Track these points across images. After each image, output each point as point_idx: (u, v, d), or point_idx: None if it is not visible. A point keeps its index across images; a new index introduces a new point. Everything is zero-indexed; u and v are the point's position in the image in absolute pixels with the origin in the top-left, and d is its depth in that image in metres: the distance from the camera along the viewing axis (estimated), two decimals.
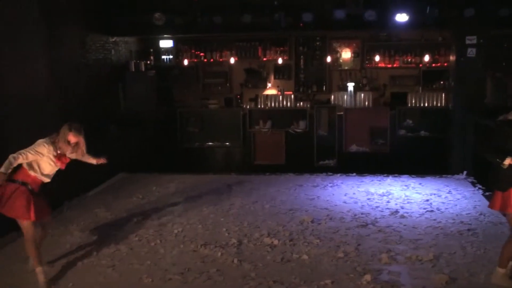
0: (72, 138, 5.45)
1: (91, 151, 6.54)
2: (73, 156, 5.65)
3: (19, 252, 6.11)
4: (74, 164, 5.73)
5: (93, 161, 6.07)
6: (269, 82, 13.72)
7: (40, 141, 5.41)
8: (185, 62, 13.39)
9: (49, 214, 5.78)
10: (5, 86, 7.26)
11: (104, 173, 9.88)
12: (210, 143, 12.75)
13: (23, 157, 5.27)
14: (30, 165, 5.39)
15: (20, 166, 5.38)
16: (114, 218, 7.71)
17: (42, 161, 5.40)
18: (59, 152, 5.46)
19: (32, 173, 5.41)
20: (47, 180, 5.57)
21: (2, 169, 5.14)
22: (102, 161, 6.17)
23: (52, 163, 5.47)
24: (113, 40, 11.35)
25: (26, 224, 5.35)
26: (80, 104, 9.68)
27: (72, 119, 5.60)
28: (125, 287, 5.40)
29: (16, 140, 5.83)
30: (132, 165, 10.91)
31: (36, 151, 5.34)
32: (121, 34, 11.56)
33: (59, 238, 6.80)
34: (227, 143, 12.68)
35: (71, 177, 8.41)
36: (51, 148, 5.41)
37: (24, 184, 5.36)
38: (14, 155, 5.23)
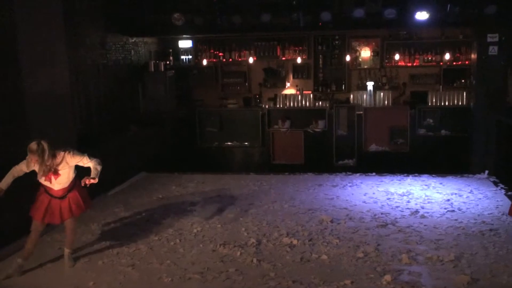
0: (33, 156, 5.45)
1: (112, 151, 6.58)
2: (58, 162, 5.60)
3: (41, 250, 6.21)
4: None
5: (95, 172, 5.82)
6: (288, 82, 13.68)
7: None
8: (204, 62, 13.42)
9: (63, 219, 5.83)
10: (27, 86, 7.36)
11: (124, 173, 9.98)
12: (229, 143, 12.78)
13: (17, 169, 5.68)
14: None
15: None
16: (134, 217, 7.77)
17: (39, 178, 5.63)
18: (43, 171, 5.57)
19: (43, 183, 5.73)
20: (54, 188, 5.72)
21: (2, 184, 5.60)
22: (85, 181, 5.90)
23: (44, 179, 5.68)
24: (133, 40, 11.44)
25: (33, 222, 5.73)
26: (101, 104, 9.80)
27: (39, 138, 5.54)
28: (145, 286, 5.43)
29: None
30: (152, 165, 10.98)
31: (25, 163, 5.61)
32: (141, 35, 11.65)
33: (79, 236, 6.86)
34: (246, 143, 12.69)
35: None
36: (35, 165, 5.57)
37: (44, 188, 5.74)
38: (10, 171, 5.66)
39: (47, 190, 5.72)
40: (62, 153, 5.60)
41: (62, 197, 5.75)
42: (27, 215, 5.78)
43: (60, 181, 5.69)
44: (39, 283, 5.59)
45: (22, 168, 5.60)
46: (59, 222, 5.90)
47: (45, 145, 5.40)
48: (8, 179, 5.57)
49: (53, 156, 5.51)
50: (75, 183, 5.84)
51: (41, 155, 5.39)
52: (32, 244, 5.80)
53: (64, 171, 5.65)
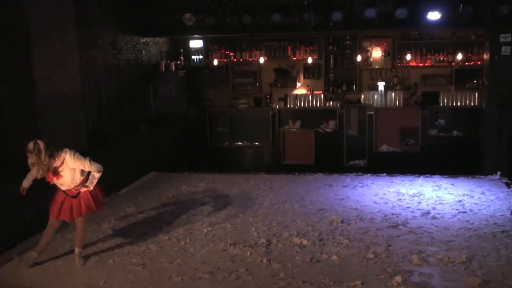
0: (29, 157, 5.46)
1: (123, 150, 6.58)
2: (58, 164, 5.60)
3: (52, 249, 6.25)
4: (105, 163, 5.84)
5: (95, 177, 5.79)
6: (299, 82, 13.66)
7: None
8: (215, 62, 13.44)
9: (73, 217, 5.91)
10: (39, 86, 7.42)
11: (135, 172, 10.02)
12: (240, 143, 12.80)
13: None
14: None
15: None
16: (145, 216, 7.79)
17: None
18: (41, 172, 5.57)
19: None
20: (63, 188, 5.80)
21: (24, 183, 5.80)
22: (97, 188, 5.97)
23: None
24: (144, 40, 11.48)
25: (49, 218, 5.88)
26: (111, 104, 9.84)
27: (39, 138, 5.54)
28: (155, 285, 5.45)
29: (51, 139, 5.94)
30: (162, 164, 11.02)
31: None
32: (152, 35, 11.68)
33: (90, 235, 6.90)
34: (257, 143, 12.70)
35: (102, 176, 8.59)
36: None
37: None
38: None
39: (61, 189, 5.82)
40: (62, 155, 5.56)
41: (74, 196, 5.81)
42: (44, 212, 5.94)
43: (63, 182, 5.69)
44: (50, 281, 5.63)
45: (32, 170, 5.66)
46: (70, 220, 5.99)
47: (41, 145, 5.37)
48: (30, 177, 5.72)
49: (51, 156, 5.46)
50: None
51: (37, 155, 5.37)
52: (46, 240, 5.93)
53: (66, 172, 5.62)
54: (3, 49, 6.93)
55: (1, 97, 6.93)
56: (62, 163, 5.58)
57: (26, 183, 5.75)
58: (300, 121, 12.32)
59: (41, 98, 7.47)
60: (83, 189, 5.76)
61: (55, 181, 5.67)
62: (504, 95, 10.27)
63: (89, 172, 5.77)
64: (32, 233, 6.63)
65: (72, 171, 5.66)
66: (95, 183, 5.78)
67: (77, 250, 6.06)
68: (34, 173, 5.58)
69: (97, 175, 5.75)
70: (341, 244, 6.38)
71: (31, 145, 5.38)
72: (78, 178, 5.75)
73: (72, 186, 5.74)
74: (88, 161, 5.67)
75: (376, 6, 10.17)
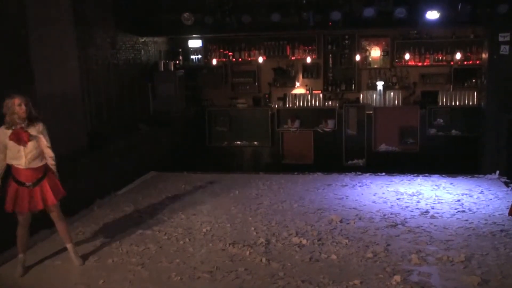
0: (17, 100, 5.42)
1: (122, 150, 6.56)
2: (33, 132, 5.54)
3: (51, 249, 6.26)
4: (105, 163, 5.86)
5: (51, 162, 5.74)
6: (298, 81, 13.68)
7: None
8: (214, 61, 13.45)
9: (42, 205, 5.67)
10: (38, 86, 7.41)
11: (134, 172, 10.02)
12: (239, 143, 12.81)
13: None
14: (7, 157, 5.56)
15: None
16: (144, 216, 7.79)
17: (7, 149, 5.50)
18: (13, 128, 5.46)
19: (10, 162, 5.56)
20: (22, 164, 5.54)
21: None
22: (54, 176, 5.81)
23: (12, 144, 5.48)
24: (143, 40, 11.48)
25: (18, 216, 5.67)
26: (111, 104, 9.84)
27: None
28: (155, 285, 5.45)
29: (49, 138, 5.94)
30: (161, 164, 11.02)
31: None
32: (151, 34, 11.68)
33: (89, 235, 6.91)
34: (255, 143, 12.71)
35: (101, 176, 8.61)
36: (3, 131, 5.47)
37: (12, 176, 5.60)
38: None
39: (15, 177, 5.58)
40: (39, 123, 5.61)
41: (34, 184, 5.60)
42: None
43: (28, 151, 5.51)
44: (49, 281, 5.63)
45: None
46: (41, 208, 5.70)
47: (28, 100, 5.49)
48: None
49: (30, 113, 5.48)
50: (46, 172, 5.72)
51: (26, 104, 5.43)
52: (22, 237, 5.77)
53: (32, 143, 5.52)
54: (3, 49, 6.92)
55: (0, 97, 6.92)
56: (35, 130, 5.54)
57: None
58: (299, 120, 12.33)
59: (41, 98, 7.45)
60: (52, 169, 5.72)
61: (21, 150, 5.48)
62: (503, 94, 10.28)
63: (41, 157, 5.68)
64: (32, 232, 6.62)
65: (37, 144, 5.58)
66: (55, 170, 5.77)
67: (69, 245, 5.98)
68: (16, 117, 5.41)
69: (54, 163, 5.74)
70: (340, 243, 6.38)
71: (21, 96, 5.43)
72: (37, 153, 5.61)
73: (30, 158, 5.54)
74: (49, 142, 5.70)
75: (375, 5, 10.16)
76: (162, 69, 11.95)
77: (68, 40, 8.28)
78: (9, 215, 6.08)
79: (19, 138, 5.46)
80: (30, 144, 5.53)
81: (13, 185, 5.59)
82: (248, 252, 6.14)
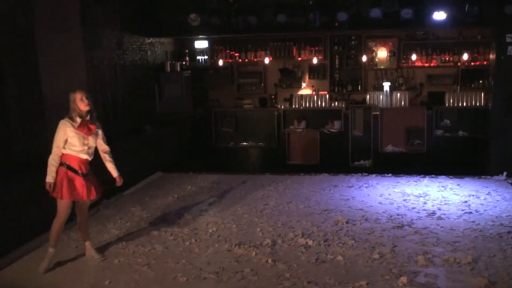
0: (79, 94, 5.72)
1: (128, 150, 6.54)
2: (93, 128, 5.82)
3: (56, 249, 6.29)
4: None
5: (112, 168, 6.11)
6: (304, 82, 13.66)
7: (60, 123, 5.75)
8: (220, 62, 13.45)
9: (87, 197, 5.87)
10: (45, 86, 7.44)
11: (140, 172, 10.04)
12: (245, 143, 12.80)
13: (56, 148, 5.69)
14: (64, 147, 5.74)
15: None
16: (150, 216, 7.81)
17: (70, 138, 5.70)
18: (78, 119, 5.72)
19: (67, 151, 5.73)
20: (84, 156, 5.81)
21: (49, 177, 5.65)
22: (119, 180, 6.16)
23: (77, 135, 5.71)
24: (149, 41, 11.50)
25: (59, 203, 5.75)
26: (117, 104, 9.86)
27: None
28: (161, 285, 5.45)
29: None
30: (168, 165, 11.04)
31: (58, 132, 5.71)
32: (157, 35, 11.70)
33: (96, 235, 6.93)
34: (262, 143, 12.70)
35: (107, 176, 8.61)
36: (69, 123, 5.72)
37: (62, 164, 5.73)
38: (51, 156, 5.70)
39: (70, 165, 5.74)
40: (99, 122, 5.98)
41: (85, 174, 5.82)
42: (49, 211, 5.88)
43: (89, 143, 5.82)
44: (56, 281, 5.64)
45: (61, 143, 5.68)
46: (86, 199, 5.90)
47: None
48: (54, 170, 5.68)
49: (91, 110, 5.79)
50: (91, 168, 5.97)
51: (88, 98, 5.75)
52: (58, 228, 5.87)
53: (93, 139, 5.86)
54: (10, 50, 6.95)
55: (7, 98, 6.96)
56: (96, 127, 5.86)
57: (52, 178, 5.66)
58: (305, 121, 12.31)
59: (47, 98, 7.49)
60: (111, 166, 6.04)
61: (85, 139, 5.75)
62: (509, 95, 10.22)
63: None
64: (37, 234, 6.66)
65: (95, 139, 5.90)
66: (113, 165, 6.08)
67: (88, 243, 6.20)
68: (80, 110, 5.70)
69: (111, 159, 6.09)
70: (346, 244, 6.37)
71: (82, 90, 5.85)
72: (94, 148, 5.94)
73: (90, 150, 5.86)
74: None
75: (381, 6, 10.14)
76: (169, 70, 11.96)
77: (75, 41, 8.31)
78: (9, 216, 6.15)
79: (89, 129, 5.76)
80: (93, 137, 5.86)
81: (69, 173, 5.72)
82: (254, 253, 6.14)
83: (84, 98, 5.72)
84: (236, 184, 9.66)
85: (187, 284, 5.46)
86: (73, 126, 5.70)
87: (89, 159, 5.89)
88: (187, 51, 13.46)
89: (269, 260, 5.90)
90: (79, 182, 5.76)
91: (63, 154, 5.71)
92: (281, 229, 7.01)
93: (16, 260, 6.15)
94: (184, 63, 13.01)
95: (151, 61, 11.62)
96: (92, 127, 5.78)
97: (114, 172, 6.08)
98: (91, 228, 7.16)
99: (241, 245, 6.39)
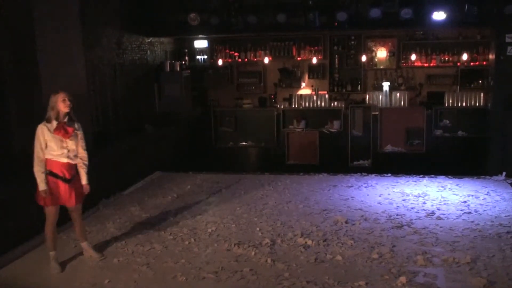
0: (62, 94, 5.65)
1: (128, 150, 6.50)
2: (75, 127, 5.78)
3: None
4: (111, 163, 5.91)
5: (82, 175, 5.96)
6: (303, 82, 13.67)
7: (37, 128, 5.66)
8: (220, 62, 13.45)
9: (69, 204, 5.84)
10: (45, 86, 7.43)
11: (140, 172, 10.04)
12: (244, 143, 12.80)
13: (37, 156, 5.62)
14: (46, 152, 5.67)
15: None
16: (149, 216, 7.81)
17: (48, 142, 5.62)
18: (56, 122, 5.63)
19: (47, 156, 5.67)
20: (64, 159, 5.72)
21: (41, 185, 5.60)
22: (85, 188, 6.01)
23: (54, 139, 5.63)
24: (149, 40, 11.50)
25: (45, 209, 5.76)
26: (117, 104, 9.86)
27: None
28: (160, 285, 5.46)
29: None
30: (167, 164, 11.04)
31: (36, 138, 5.62)
32: (157, 35, 11.70)
33: (95, 235, 6.93)
34: (261, 143, 12.70)
35: (107, 176, 8.62)
36: (45, 127, 5.62)
37: (49, 172, 5.69)
38: (34, 164, 5.63)
39: (52, 171, 5.68)
40: (77, 123, 5.85)
41: (69, 180, 5.75)
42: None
43: (69, 146, 5.71)
44: (55, 281, 5.65)
45: (40, 150, 5.61)
46: (70, 205, 5.87)
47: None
48: (42, 176, 5.62)
49: (72, 115, 5.72)
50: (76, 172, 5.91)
51: (71, 101, 5.66)
52: (51, 233, 5.87)
53: (72, 139, 5.73)
54: (9, 50, 6.95)
55: (7, 97, 6.96)
56: (76, 127, 5.78)
57: (43, 185, 5.61)
58: (305, 121, 12.31)
59: (46, 98, 7.46)
60: (82, 173, 5.88)
61: (63, 142, 5.66)
62: (509, 95, 10.22)
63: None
64: (37, 232, 6.66)
65: (76, 140, 5.79)
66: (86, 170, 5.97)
67: (85, 243, 6.15)
68: (59, 111, 5.61)
69: (86, 163, 5.94)
70: (345, 244, 6.38)
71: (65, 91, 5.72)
72: (76, 150, 5.82)
73: (71, 153, 5.74)
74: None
75: (381, 6, 10.14)
76: (168, 70, 11.96)
77: (74, 41, 8.30)
78: (8, 216, 6.15)
79: (66, 131, 5.66)
80: (72, 139, 5.74)
81: (50, 179, 5.68)
82: (253, 253, 6.15)
83: (66, 99, 5.62)
84: (235, 184, 9.67)
85: (186, 283, 5.46)
86: (49, 130, 5.61)
87: (72, 162, 5.78)
88: (186, 50, 13.46)
89: (268, 260, 5.91)
90: (62, 188, 5.72)
91: (47, 159, 5.66)
92: (280, 229, 7.01)
93: (15, 259, 6.15)
94: (183, 62, 13.00)
95: (151, 60, 11.62)
96: (69, 129, 5.67)
97: (83, 179, 5.94)
98: (90, 227, 7.18)
99: (240, 244, 6.40)
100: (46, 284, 5.59)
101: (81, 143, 5.87)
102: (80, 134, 5.85)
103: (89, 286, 5.48)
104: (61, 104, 5.62)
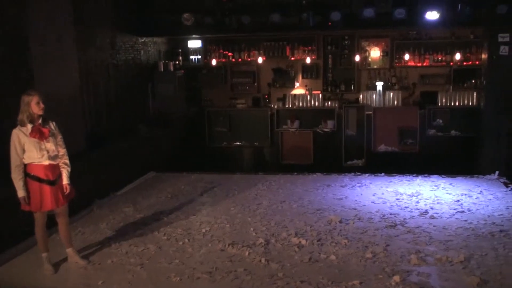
0: (35, 97, 5.47)
1: (121, 150, 6.47)
2: (51, 127, 5.66)
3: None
4: (104, 163, 5.88)
5: (64, 175, 5.77)
6: (297, 82, 13.69)
7: (11, 134, 5.52)
8: (214, 62, 13.46)
9: (56, 205, 5.68)
10: (38, 86, 7.40)
11: (133, 172, 10.02)
12: (238, 143, 12.80)
13: (13, 162, 5.48)
14: (24, 157, 5.53)
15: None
16: (143, 216, 7.79)
17: (26, 146, 5.49)
18: (30, 125, 5.49)
19: (28, 161, 5.54)
20: (46, 161, 5.57)
21: (20, 192, 5.48)
22: (65, 188, 5.77)
23: (31, 142, 5.49)
24: (142, 40, 11.49)
25: (34, 213, 5.67)
26: (110, 104, 9.85)
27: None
28: (154, 285, 5.44)
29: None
30: (161, 164, 11.02)
31: (12, 144, 5.48)
32: (150, 35, 11.69)
33: (89, 236, 6.91)
34: (255, 143, 12.70)
35: (101, 176, 8.60)
36: (20, 131, 5.48)
37: (27, 175, 5.55)
38: (11, 171, 5.50)
39: (36, 176, 5.56)
40: (51, 122, 5.71)
41: (53, 182, 5.63)
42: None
43: (49, 148, 5.58)
44: (49, 282, 5.62)
45: (17, 156, 5.47)
46: (54, 208, 5.70)
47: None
48: (20, 183, 5.50)
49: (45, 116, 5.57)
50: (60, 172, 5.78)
51: (39, 97, 5.47)
52: (41, 236, 5.78)
53: (50, 140, 5.60)
54: (3, 49, 6.92)
55: (0, 98, 6.93)
56: (50, 128, 5.63)
57: (22, 192, 5.49)
58: (299, 121, 12.33)
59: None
60: (64, 172, 5.74)
61: (42, 145, 5.52)
62: (502, 94, 10.28)
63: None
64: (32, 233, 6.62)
65: (55, 140, 5.66)
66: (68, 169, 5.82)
67: (70, 249, 6.00)
68: (32, 113, 5.44)
69: (67, 161, 5.80)
70: (339, 244, 6.38)
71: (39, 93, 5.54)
72: (56, 150, 5.67)
73: (51, 154, 5.60)
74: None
75: (374, 6, 10.17)
76: (162, 70, 11.95)
77: (67, 41, 8.29)
78: (8, 215, 6.11)
79: (42, 133, 5.51)
80: (50, 140, 5.60)
81: (34, 184, 5.56)
82: (247, 253, 6.14)
83: (40, 102, 5.46)
84: (229, 184, 9.66)
85: (181, 284, 5.45)
86: (25, 134, 5.45)
87: (54, 163, 5.64)
88: (180, 50, 13.46)
89: (262, 260, 5.90)
90: (47, 191, 5.58)
91: (26, 165, 5.52)
92: (274, 229, 7.01)
93: (11, 259, 6.13)
94: (177, 62, 13.01)
95: (144, 60, 11.60)
96: (45, 130, 5.52)
97: (64, 179, 5.74)
98: (83, 228, 7.17)
99: (234, 244, 6.39)
100: (40, 285, 5.57)
101: (60, 142, 5.72)
102: (57, 133, 5.71)
103: (83, 287, 5.46)
104: (36, 107, 5.45)
